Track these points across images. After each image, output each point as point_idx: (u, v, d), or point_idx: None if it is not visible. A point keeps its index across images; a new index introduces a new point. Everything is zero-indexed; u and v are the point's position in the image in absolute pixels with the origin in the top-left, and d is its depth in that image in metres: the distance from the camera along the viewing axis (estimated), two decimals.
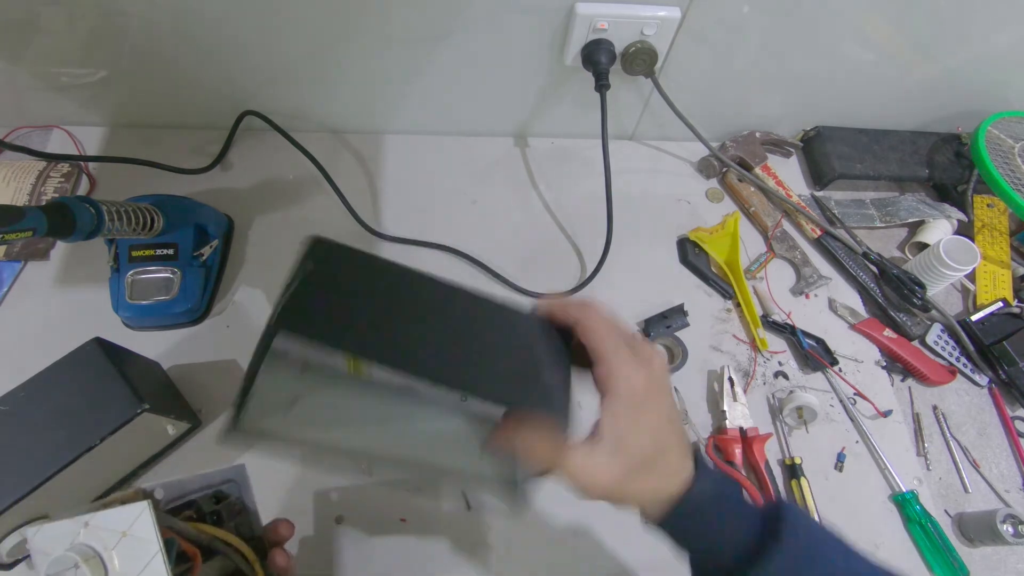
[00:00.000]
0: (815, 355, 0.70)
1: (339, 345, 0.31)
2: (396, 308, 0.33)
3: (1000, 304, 0.75)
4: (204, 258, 0.64)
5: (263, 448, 0.33)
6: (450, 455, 0.36)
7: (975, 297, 0.78)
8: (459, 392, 0.33)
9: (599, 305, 0.36)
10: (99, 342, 0.51)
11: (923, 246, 0.78)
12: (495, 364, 0.34)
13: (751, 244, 0.79)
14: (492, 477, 0.34)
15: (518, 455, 0.31)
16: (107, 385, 0.49)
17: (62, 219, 0.50)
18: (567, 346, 0.36)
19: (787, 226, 0.81)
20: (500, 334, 0.35)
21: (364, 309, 0.33)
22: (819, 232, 0.79)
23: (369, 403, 0.35)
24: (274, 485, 0.57)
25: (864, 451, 0.67)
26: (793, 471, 0.63)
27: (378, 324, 0.32)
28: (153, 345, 0.62)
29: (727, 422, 0.64)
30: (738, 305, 0.74)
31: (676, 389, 0.67)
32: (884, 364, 0.72)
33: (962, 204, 0.84)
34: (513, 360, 0.34)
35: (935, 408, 0.71)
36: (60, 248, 0.68)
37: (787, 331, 0.72)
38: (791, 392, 0.67)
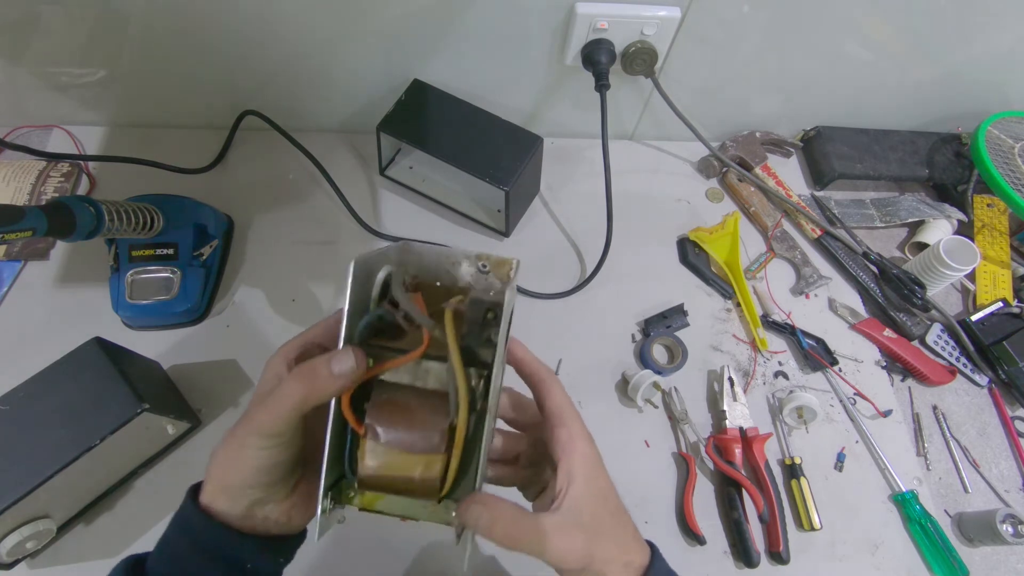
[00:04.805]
0: (815, 355, 0.70)
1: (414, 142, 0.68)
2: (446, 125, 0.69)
3: (1000, 304, 0.75)
4: (204, 258, 0.65)
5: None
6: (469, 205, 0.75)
7: (975, 297, 0.78)
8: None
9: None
10: (99, 342, 0.51)
11: (923, 246, 0.77)
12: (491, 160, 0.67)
13: (751, 244, 0.79)
14: None
15: (483, 532, 0.30)
16: (107, 385, 0.49)
17: (62, 219, 0.50)
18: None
19: (787, 226, 0.81)
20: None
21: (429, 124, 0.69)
22: (819, 232, 0.79)
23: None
24: None
25: (864, 451, 0.67)
26: (793, 471, 0.63)
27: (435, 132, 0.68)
28: (153, 345, 0.62)
29: (727, 422, 0.64)
30: (738, 305, 0.74)
31: (676, 389, 0.67)
32: (884, 364, 0.72)
33: (962, 204, 0.84)
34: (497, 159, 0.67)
35: (935, 408, 0.71)
36: (60, 248, 0.68)
37: (787, 331, 0.72)
38: (791, 392, 0.67)
